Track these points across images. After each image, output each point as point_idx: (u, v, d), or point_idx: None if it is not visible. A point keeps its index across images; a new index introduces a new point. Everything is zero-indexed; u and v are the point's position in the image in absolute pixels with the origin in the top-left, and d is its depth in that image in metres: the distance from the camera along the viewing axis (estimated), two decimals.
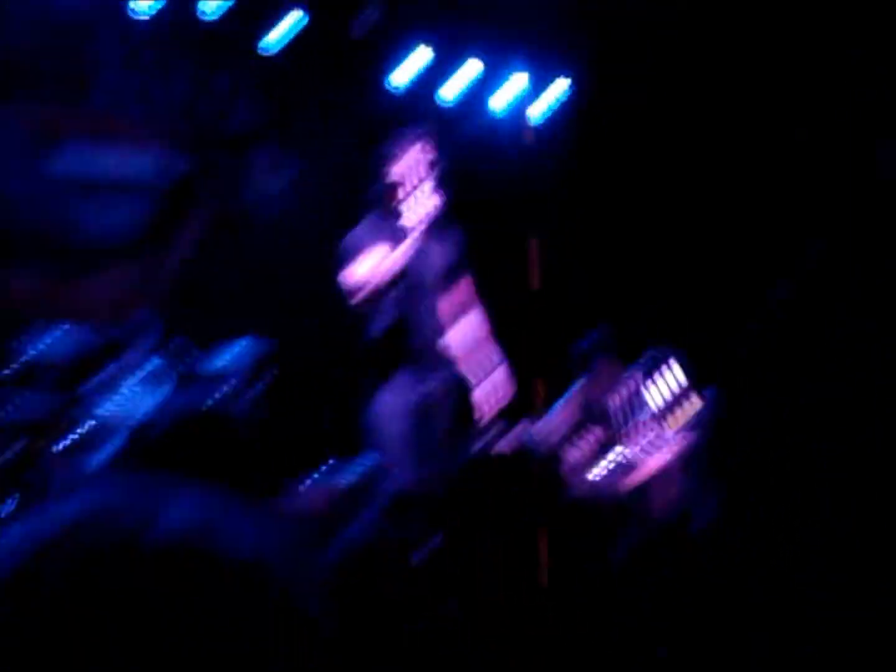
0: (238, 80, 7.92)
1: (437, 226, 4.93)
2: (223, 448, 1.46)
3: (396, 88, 8.05)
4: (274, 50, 7.59)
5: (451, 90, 8.22)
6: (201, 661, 0.70)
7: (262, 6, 7.53)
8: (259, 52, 7.61)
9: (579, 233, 8.25)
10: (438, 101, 8.23)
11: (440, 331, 5.09)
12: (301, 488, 4.62)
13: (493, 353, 5.14)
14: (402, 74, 8.02)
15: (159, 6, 7.05)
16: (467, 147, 8.23)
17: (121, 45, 7.43)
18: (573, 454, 6.18)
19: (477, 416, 5.00)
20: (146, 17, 7.12)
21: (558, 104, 8.56)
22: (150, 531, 0.74)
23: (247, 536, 0.77)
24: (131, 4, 7.02)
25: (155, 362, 6.59)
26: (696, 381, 6.39)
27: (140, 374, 6.53)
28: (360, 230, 5.10)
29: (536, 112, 8.56)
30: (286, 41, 7.59)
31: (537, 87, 8.48)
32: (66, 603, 0.69)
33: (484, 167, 8.07)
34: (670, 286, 8.02)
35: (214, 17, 7.28)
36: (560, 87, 8.52)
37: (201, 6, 7.24)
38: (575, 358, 6.58)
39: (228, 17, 7.30)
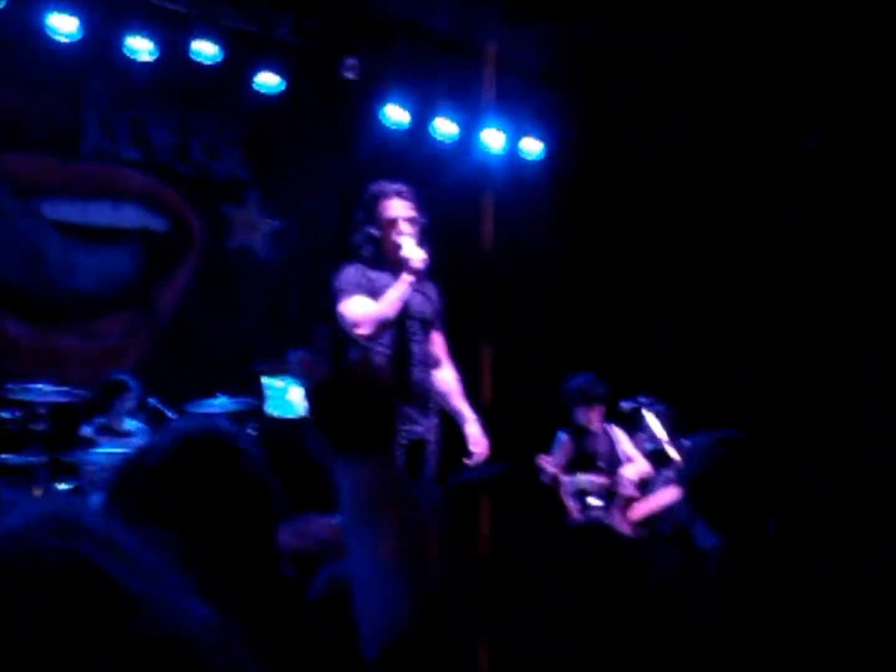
0: (229, 125, 7.99)
1: (422, 276, 4.96)
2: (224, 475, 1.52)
3: (392, 123, 8.09)
4: (265, 92, 7.62)
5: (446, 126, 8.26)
6: None
7: (254, 51, 7.56)
8: (249, 96, 7.64)
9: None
10: (433, 137, 8.27)
11: (428, 374, 5.11)
12: (300, 520, 4.60)
13: (468, 406, 5.17)
14: (398, 111, 8.05)
15: (155, 50, 7.08)
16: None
17: (113, 89, 7.49)
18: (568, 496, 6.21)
19: (469, 454, 5.02)
20: (141, 60, 7.13)
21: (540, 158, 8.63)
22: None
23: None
24: (127, 44, 7.03)
25: (139, 424, 6.63)
26: (675, 431, 6.43)
27: (120, 430, 6.58)
28: (350, 271, 5.12)
29: (530, 149, 8.59)
30: (275, 88, 7.63)
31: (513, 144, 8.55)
32: None
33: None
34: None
35: (209, 62, 7.31)
36: (533, 147, 8.58)
37: (195, 50, 7.26)
38: (570, 396, 6.59)
39: (220, 62, 7.32)
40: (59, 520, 0.80)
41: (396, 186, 5.10)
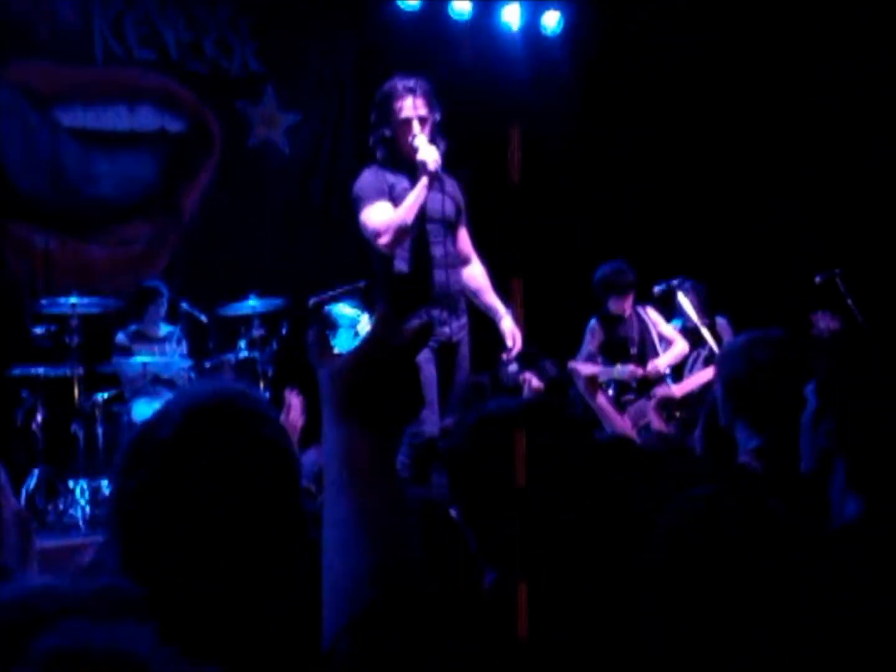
0: (240, 17, 7.81)
1: (439, 176, 4.89)
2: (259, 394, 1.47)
3: (407, 6, 7.90)
4: None
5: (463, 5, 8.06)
6: None
7: None
8: None
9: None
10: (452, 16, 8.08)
11: (457, 273, 5.08)
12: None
13: (500, 301, 5.14)
14: None
15: None
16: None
17: None
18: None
19: (505, 349, 5.01)
20: None
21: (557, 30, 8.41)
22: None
23: None
24: None
25: (174, 328, 6.66)
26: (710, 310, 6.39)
27: (154, 335, 6.61)
28: (367, 176, 5.07)
29: (551, 22, 8.39)
30: None
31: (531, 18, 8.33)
32: None
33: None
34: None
35: None
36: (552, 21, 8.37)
37: None
38: (600, 286, 6.54)
39: None
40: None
41: (408, 83, 4.98)
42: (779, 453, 2.52)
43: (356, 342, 1.30)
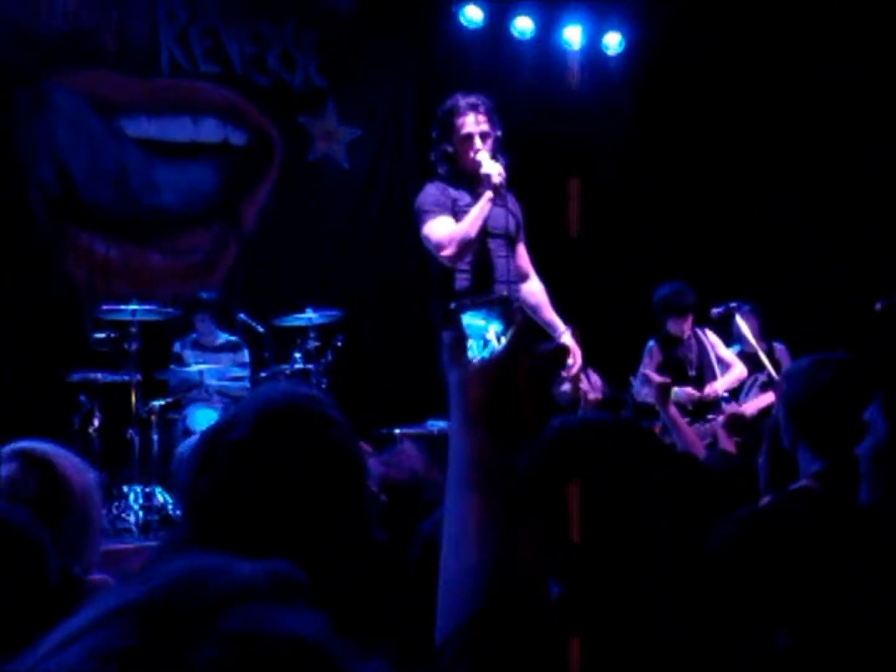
0: (303, 33, 7.88)
1: (501, 191, 4.91)
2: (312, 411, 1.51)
3: (470, 22, 7.93)
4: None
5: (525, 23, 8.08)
6: None
7: None
8: (323, 2, 7.52)
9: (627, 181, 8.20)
10: (512, 35, 8.10)
11: (514, 291, 5.09)
12: (392, 451, 4.65)
13: (558, 318, 5.13)
14: (475, 10, 7.88)
15: None
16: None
17: (187, 3, 7.44)
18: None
19: (566, 367, 4.99)
20: None
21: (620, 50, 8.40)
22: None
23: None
24: None
25: (233, 336, 6.71)
26: (768, 334, 6.34)
27: (210, 345, 6.66)
28: (430, 191, 5.09)
29: (612, 43, 8.37)
30: None
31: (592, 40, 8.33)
32: None
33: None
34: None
35: None
36: (613, 42, 8.35)
37: None
38: (659, 307, 6.51)
39: None
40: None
41: (470, 100, 5.02)
42: (840, 477, 2.48)
43: (483, 351, 1.36)
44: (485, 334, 1.49)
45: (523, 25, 8.11)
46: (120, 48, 7.17)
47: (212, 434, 1.47)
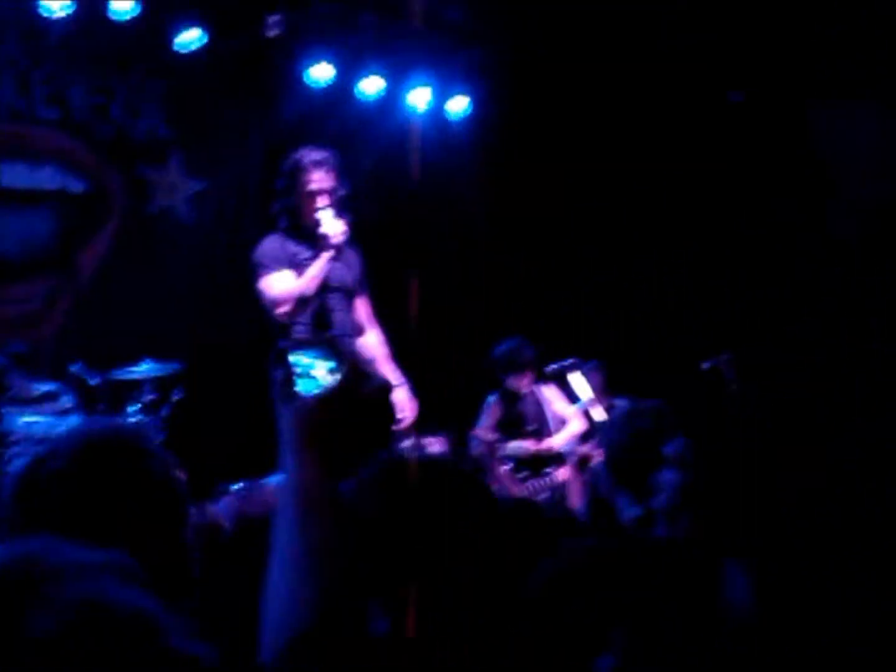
0: (149, 84, 7.81)
1: (344, 243, 4.95)
2: (139, 461, 1.53)
3: (316, 83, 7.97)
4: (186, 51, 7.45)
5: (371, 85, 8.14)
6: None
7: (174, 8, 7.40)
8: (170, 54, 7.47)
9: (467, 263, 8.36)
10: (358, 96, 8.17)
11: (354, 339, 5.10)
12: (248, 486, 4.60)
13: (395, 370, 5.15)
14: (322, 70, 7.92)
15: (70, 7, 6.88)
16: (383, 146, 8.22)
17: (29, 47, 7.29)
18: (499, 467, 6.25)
19: (396, 419, 5.00)
20: (56, 18, 6.94)
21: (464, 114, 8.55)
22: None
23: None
24: (42, 4, 6.84)
25: (51, 385, 6.50)
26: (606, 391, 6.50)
27: (39, 395, 6.44)
28: (269, 244, 5.09)
29: (456, 107, 8.51)
30: (196, 45, 7.46)
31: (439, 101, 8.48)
32: None
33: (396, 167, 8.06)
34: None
35: (125, 19, 7.14)
36: (459, 105, 8.52)
37: (112, 7, 7.09)
38: (498, 363, 6.60)
39: (139, 19, 7.15)
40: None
41: (316, 156, 5.07)
42: (656, 523, 2.55)
43: (313, 388, 1.47)
44: (313, 371, 1.53)
45: (370, 86, 8.20)
46: None
47: (32, 465, 1.47)
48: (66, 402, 6.43)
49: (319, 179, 4.99)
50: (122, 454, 1.48)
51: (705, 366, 6.29)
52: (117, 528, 1.39)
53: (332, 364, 1.48)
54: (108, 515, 1.40)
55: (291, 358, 1.50)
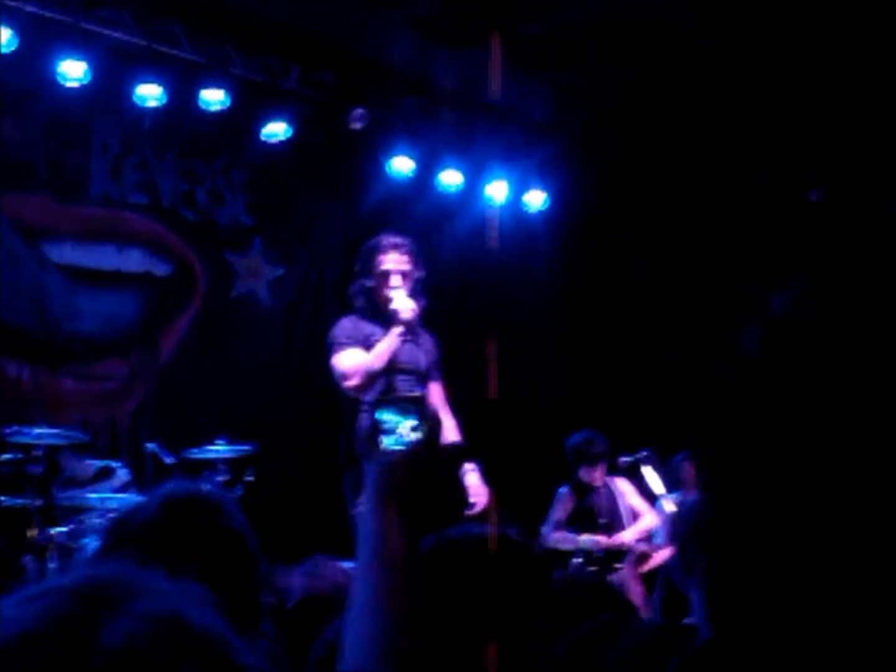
0: (235, 172, 8.04)
1: (414, 328, 5.01)
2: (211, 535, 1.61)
3: (397, 174, 8.13)
4: (271, 141, 7.67)
5: (451, 177, 8.29)
6: None
7: (261, 99, 7.64)
8: (256, 143, 7.70)
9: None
10: (438, 188, 8.31)
11: None
12: (312, 563, 4.58)
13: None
14: (403, 162, 8.10)
15: (163, 96, 7.14)
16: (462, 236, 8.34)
17: (122, 132, 7.55)
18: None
19: (469, 505, 4.98)
20: (149, 106, 7.20)
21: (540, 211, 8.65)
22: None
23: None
24: (136, 91, 7.10)
25: (105, 462, 6.57)
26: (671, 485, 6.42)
27: (94, 473, 6.51)
28: (344, 323, 5.19)
29: (534, 200, 8.61)
30: (282, 136, 7.68)
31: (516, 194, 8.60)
32: None
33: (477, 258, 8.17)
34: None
35: (214, 109, 7.38)
36: (537, 199, 8.63)
37: (203, 97, 7.33)
38: (571, 455, 6.58)
39: (227, 109, 7.39)
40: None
41: (393, 240, 5.18)
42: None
43: (397, 444, 1.52)
44: (399, 428, 1.57)
45: (450, 178, 8.35)
46: (51, 174, 7.24)
47: (119, 520, 1.57)
48: (122, 476, 6.50)
49: (394, 260, 5.09)
50: (203, 509, 1.54)
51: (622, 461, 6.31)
52: (195, 578, 1.43)
53: (414, 421, 1.52)
54: (188, 565, 1.44)
55: (377, 414, 1.55)
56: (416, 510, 1.31)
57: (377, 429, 1.49)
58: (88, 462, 6.51)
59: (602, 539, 6.37)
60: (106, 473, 6.50)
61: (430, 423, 1.43)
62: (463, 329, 7.48)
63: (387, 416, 1.54)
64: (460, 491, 1.40)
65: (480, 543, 1.97)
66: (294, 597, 2.93)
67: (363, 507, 1.34)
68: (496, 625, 1.81)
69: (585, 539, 6.33)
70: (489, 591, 1.81)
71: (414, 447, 1.40)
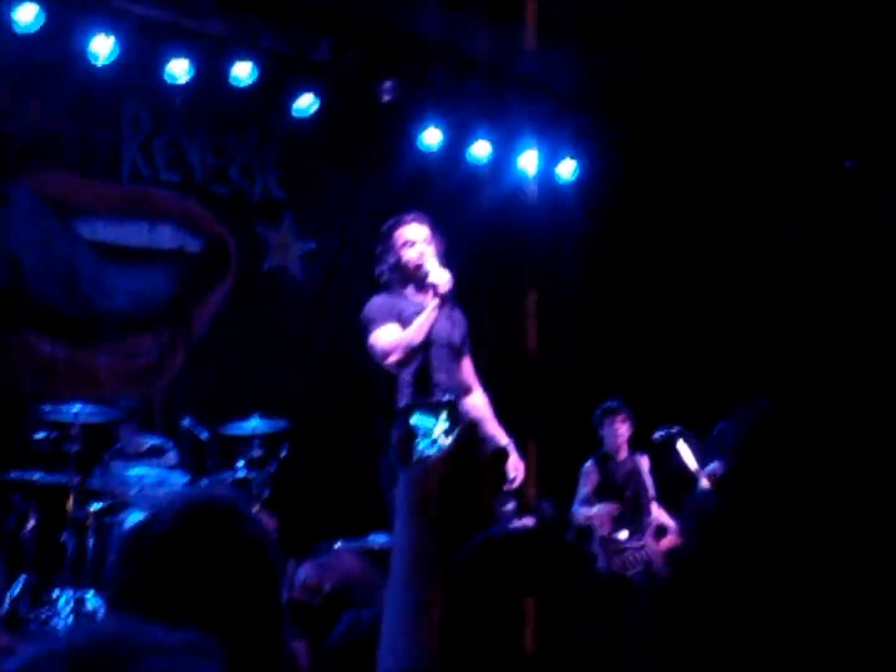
0: (265, 147, 8.03)
1: (448, 300, 4.99)
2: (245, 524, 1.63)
3: (428, 147, 8.09)
4: (301, 115, 7.66)
5: (481, 149, 8.25)
6: None
7: (291, 74, 7.62)
8: (286, 118, 7.69)
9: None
10: (468, 160, 8.28)
11: (460, 398, 5.10)
12: (329, 554, 4.59)
13: (501, 430, 5.14)
14: (433, 134, 8.07)
15: (193, 73, 7.14)
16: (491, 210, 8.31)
17: (152, 109, 7.56)
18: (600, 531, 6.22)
19: (508, 480, 4.97)
20: (179, 84, 7.20)
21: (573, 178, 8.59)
22: None
23: None
24: (165, 67, 7.11)
25: (159, 440, 6.65)
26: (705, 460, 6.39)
27: (146, 449, 6.59)
28: (377, 301, 5.17)
29: (565, 171, 8.55)
30: (312, 110, 7.67)
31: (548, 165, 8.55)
32: None
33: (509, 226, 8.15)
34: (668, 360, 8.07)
35: (244, 85, 7.37)
36: (568, 170, 8.56)
37: (233, 74, 7.32)
38: (595, 418, 6.63)
39: (257, 85, 7.38)
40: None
41: (408, 214, 5.17)
42: None
43: (431, 449, 1.46)
44: (432, 433, 1.54)
45: (481, 150, 8.30)
46: (82, 153, 7.26)
47: (135, 529, 1.58)
48: (172, 457, 6.57)
49: (413, 231, 5.08)
50: (219, 520, 1.55)
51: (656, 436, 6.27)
52: (214, 591, 1.45)
53: (447, 425, 1.48)
54: (206, 578, 1.47)
55: (411, 418, 1.52)
56: (447, 517, 1.31)
57: (410, 434, 1.46)
58: (143, 438, 6.59)
59: (614, 507, 6.44)
60: (157, 451, 6.58)
61: (464, 428, 1.41)
62: (495, 301, 7.46)
63: (419, 421, 1.51)
64: (493, 495, 1.40)
65: (521, 543, 1.98)
66: (327, 587, 2.93)
67: (396, 522, 1.34)
68: (534, 616, 1.81)
69: (600, 507, 6.41)
70: (529, 590, 1.81)
71: (445, 454, 1.38)
